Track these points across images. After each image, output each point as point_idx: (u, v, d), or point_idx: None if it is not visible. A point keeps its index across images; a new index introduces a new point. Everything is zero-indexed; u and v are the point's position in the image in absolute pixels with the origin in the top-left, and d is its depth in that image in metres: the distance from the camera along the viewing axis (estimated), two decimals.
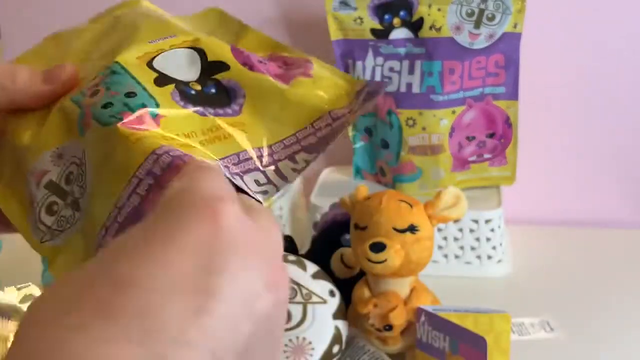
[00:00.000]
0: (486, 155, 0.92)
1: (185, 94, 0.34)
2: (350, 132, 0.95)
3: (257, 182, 0.33)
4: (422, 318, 0.62)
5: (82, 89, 0.34)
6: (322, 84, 0.37)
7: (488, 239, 0.85)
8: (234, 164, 0.33)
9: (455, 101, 0.88)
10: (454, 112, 0.89)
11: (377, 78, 0.90)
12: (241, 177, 0.33)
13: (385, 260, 0.61)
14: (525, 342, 0.71)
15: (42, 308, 0.23)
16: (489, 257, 0.86)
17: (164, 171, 0.29)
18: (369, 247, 0.61)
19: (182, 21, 0.43)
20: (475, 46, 0.87)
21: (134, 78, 0.34)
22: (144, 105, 0.32)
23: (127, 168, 0.30)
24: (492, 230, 0.85)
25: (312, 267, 0.65)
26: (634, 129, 0.96)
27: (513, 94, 0.90)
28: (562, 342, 0.72)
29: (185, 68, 0.35)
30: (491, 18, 0.87)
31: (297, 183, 0.97)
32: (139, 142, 0.30)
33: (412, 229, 0.62)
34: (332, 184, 0.95)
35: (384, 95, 0.90)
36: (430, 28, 0.87)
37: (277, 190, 0.33)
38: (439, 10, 0.87)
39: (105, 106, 0.32)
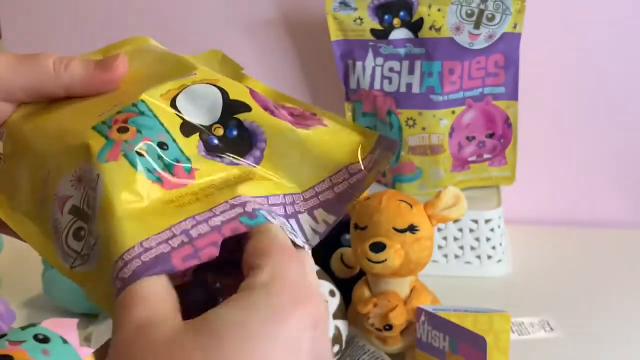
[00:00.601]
0: (486, 155, 0.92)
1: (209, 144, 0.34)
2: None
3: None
4: (422, 318, 0.62)
5: (104, 118, 0.34)
6: (339, 136, 0.37)
7: (488, 239, 0.85)
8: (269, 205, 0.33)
9: (455, 101, 0.89)
10: (453, 112, 0.89)
11: (377, 78, 0.90)
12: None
13: (385, 260, 0.61)
14: (525, 342, 0.71)
15: None
16: (489, 257, 0.86)
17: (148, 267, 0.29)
18: (368, 247, 0.61)
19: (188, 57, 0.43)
20: (475, 46, 0.87)
21: (162, 124, 0.34)
22: (177, 161, 0.33)
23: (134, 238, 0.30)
24: (492, 230, 0.85)
25: None
26: (633, 129, 0.96)
27: (513, 94, 0.90)
28: (562, 342, 0.72)
29: (207, 107, 0.35)
30: (491, 18, 0.87)
31: None
32: (168, 208, 0.31)
33: (412, 228, 0.62)
34: None
35: (384, 95, 0.90)
36: (430, 28, 0.87)
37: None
38: (438, 10, 0.87)
39: (139, 154, 0.32)
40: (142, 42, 0.43)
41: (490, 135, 0.91)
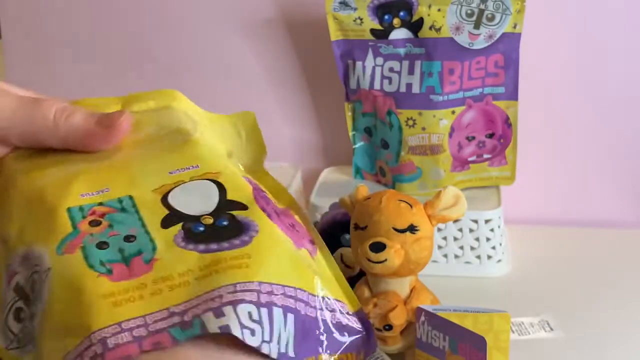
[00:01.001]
0: (486, 156, 0.92)
1: (190, 233, 0.32)
2: (350, 132, 0.96)
3: (250, 314, 0.30)
4: (422, 318, 0.62)
5: (83, 203, 0.33)
6: (322, 272, 0.36)
7: (488, 239, 0.85)
8: (229, 293, 0.30)
9: (454, 101, 0.89)
10: (453, 112, 0.89)
11: (377, 78, 0.90)
12: (232, 304, 0.30)
13: (385, 260, 0.61)
14: (525, 342, 0.71)
15: None
16: (489, 257, 0.86)
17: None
18: (368, 246, 0.61)
19: (213, 124, 0.40)
20: (474, 46, 0.87)
21: (140, 219, 0.33)
22: (139, 252, 0.31)
23: (85, 328, 0.29)
24: (492, 230, 0.85)
25: None
26: (634, 129, 0.97)
27: (513, 94, 0.90)
28: (562, 342, 0.72)
29: (200, 202, 0.34)
30: (491, 18, 0.87)
31: (297, 183, 0.97)
32: (103, 305, 0.29)
33: (412, 228, 0.62)
34: (332, 184, 0.96)
35: (384, 95, 0.90)
36: (430, 28, 0.87)
37: (263, 338, 0.30)
38: (438, 10, 0.87)
39: (100, 244, 0.31)
40: (168, 99, 0.41)
41: (490, 136, 0.91)
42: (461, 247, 0.86)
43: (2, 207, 0.36)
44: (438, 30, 0.87)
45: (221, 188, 0.34)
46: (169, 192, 0.34)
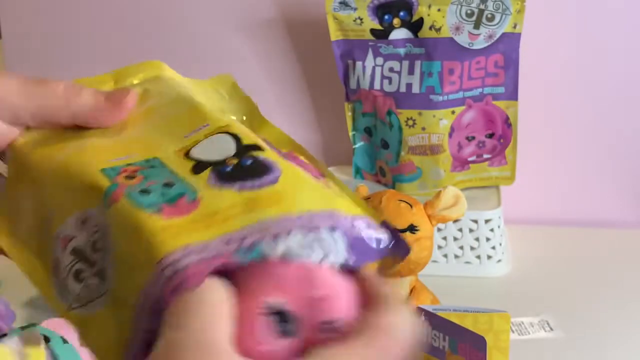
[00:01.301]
0: (486, 156, 0.92)
1: (220, 173, 0.34)
2: (350, 132, 0.96)
3: (301, 240, 0.31)
4: (422, 318, 0.62)
5: (113, 165, 0.35)
6: (343, 197, 0.37)
7: (487, 239, 0.85)
8: (275, 224, 0.32)
9: (454, 101, 0.89)
10: (453, 112, 0.89)
11: (377, 78, 0.90)
12: (283, 233, 0.32)
13: None
14: (525, 342, 0.71)
15: None
16: (489, 257, 0.86)
17: (175, 274, 0.29)
18: None
19: (198, 89, 0.43)
20: (474, 46, 0.87)
21: (172, 171, 0.34)
22: (182, 194, 0.33)
23: (154, 258, 0.30)
24: (492, 230, 0.85)
25: None
26: (634, 129, 0.96)
27: (512, 94, 0.90)
28: (562, 342, 0.72)
29: (220, 150, 0.35)
30: (491, 18, 0.87)
31: None
32: (165, 235, 0.31)
33: (411, 228, 0.62)
34: None
35: (384, 95, 0.90)
36: (430, 28, 0.87)
37: (322, 252, 0.32)
38: (438, 10, 0.87)
39: (143, 192, 0.33)
40: (156, 70, 0.42)
41: (490, 135, 0.91)
42: (461, 247, 0.86)
43: (27, 189, 0.37)
44: (438, 30, 0.87)
45: (235, 137, 0.36)
46: (189, 150, 0.36)
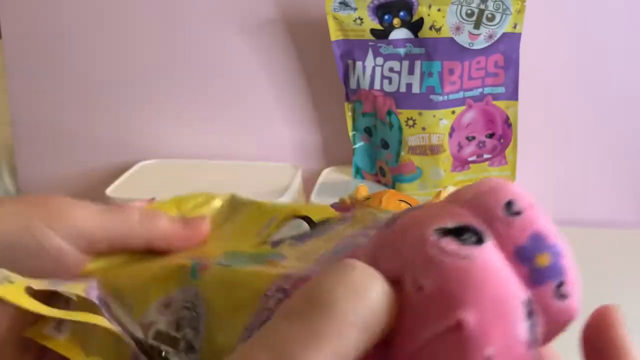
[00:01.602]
0: (486, 156, 0.92)
1: (301, 237, 0.35)
2: (350, 132, 0.96)
3: None
4: None
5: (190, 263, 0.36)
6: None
7: None
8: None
9: (455, 101, 0.89)
10: (453, 112, 0.89)
11: (377, 78, 0.90)
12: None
13: None
14: None
15: None
16: None
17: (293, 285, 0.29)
18: None
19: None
20: (475, 46, 0.87)
21: (252, 252, 0.35)
22: (268, 256, 0.34)
23: (257, 291, 0.30)
24: None
25: None
26: (634, 129, 0.97)
27: (513, 94, 0.90)
28: (561, 342, 0.72)
29: (297, 230, 0.36)
30: (491, 18, 0.87)
31: (297, 182, 0.97)
32: (265, 270, 0.31)
33: None
34: (332, 184, 0.96)
35: (384, 95, 0.90)
36: (430, 28, 0.87)
37: None
38: (438, 10, 0.87)
39: (230, 260, 0.34)
40: (207, 196, 0.44)
41: (490, 135, 0.91)
42: None
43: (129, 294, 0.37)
44: (438, 30, 0.87)
45: (304, 218, 0.37)
46: (265, 240, 0.37)
